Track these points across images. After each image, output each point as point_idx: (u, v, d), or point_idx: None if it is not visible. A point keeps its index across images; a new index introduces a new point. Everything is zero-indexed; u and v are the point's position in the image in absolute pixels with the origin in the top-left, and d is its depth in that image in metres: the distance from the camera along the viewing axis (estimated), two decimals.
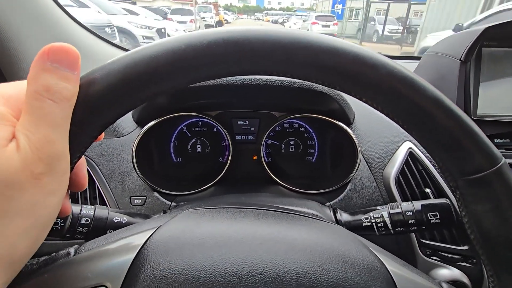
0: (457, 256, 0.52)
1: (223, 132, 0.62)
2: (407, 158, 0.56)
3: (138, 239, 0.23)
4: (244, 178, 0.65)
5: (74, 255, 0.23)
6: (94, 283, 0.20)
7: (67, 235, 0.34)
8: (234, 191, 0.60)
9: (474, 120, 0.53)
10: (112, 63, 0.20)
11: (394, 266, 0.24)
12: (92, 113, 0.19)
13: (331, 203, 0.56)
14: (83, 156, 0.22)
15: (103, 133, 0.22)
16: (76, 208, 0.35)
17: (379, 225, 0.40)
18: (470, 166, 0.21)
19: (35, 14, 0.56)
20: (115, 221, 0.37)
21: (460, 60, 0.55)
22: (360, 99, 0.22)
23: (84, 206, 0.36)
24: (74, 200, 0.52)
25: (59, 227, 0.33)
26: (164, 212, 0.43)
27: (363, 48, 0.21)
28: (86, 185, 0.24)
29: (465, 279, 0.49)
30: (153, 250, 0.22)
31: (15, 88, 0.19)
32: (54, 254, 0.23)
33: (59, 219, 0.33)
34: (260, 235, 0.25)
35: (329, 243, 0.25)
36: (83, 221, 0.35)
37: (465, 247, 0.51)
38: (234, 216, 0.28)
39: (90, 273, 0.20)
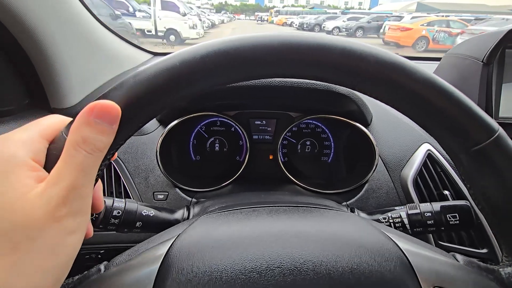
0: (475, 260, 0.51)
1: (240, 132, 0.64)
2: (425, 160, 0.55)
3: (160, 249, 0.25)
4: (261, 177, 0.67)
5: (104, 271, 0.25)
6: None
7: (101, 226, 0.37)
8: (251, 189, 0.62)
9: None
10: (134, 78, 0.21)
11: (407, 244, 0.25)
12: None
13: (348, 202, 0.57)
14: (99, 179, 0.23)
15: (116, 153, 0.24)
16: (108, 201, 0.37)
17: (397, 225, 0.41)
18: (468, 140, 0.22)
19: (66, 19, 0.60)
20: (144, 214, 0.39)
21: (482, 62, 0.55)
22: (354, 89, 0.23)
23: (116, 199, 0.38)
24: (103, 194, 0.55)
25: (94, 218, 0.36)
26: (187, 207, 0.45)
27: (351, 41, 0.22)
28: (102, 208, 0.25)
29: None
30: (176, 257, 0.23)
31: (30, 131, 0.21)
32: (86, 272, 0.25)
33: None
34: (274, 231, 0.26)
35: (341, 231, 0.26)
36: (115, 213, 0.37)
37: (484, 250, 0.51)
38: (248, 216, 0.29)
39: (122, 286, 0.22)
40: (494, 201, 0.22)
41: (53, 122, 0.22)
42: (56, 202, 0.18)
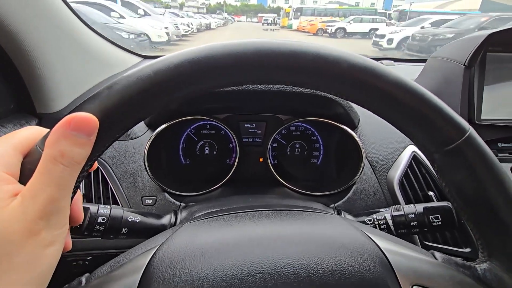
0: (459, 259, 0.52)
1: (230, 135, 0.64)
2: (411, 162, 0.57)
3: (142, 259, 0.25)
4: (251, 179, 0.67)
5: (85, 283, 0.25)
6: None
7: (85, 233, 0.36)
8: (241, 192, 0.62)
9: (478, 124, 0.54)
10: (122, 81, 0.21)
11: (386, 243, 0.26)
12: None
13: (336, 205, 0.58)
14: (78, 190, 0.23)
15: (96, 163, 0.23)
16: (93, 208, 0.37)
17: (382, 226, 0.42)
18: (441, 140, 0.23)
19: (52, 22, 0.59)
20: (129, 220, 0.39)
21: (464, 65, 0.56)
22: (329, 93, 0.24)
23: (101, 205, 0.38)
24: (89, 200, 0.54)
25: (78, 226, 0.36)
26: (175, 212, 0.45)
27: (324, 46, 0.22)
28: (81, 220, 0.25)
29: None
30: (157, 267, 0.23)
31: (4, 145, 0.20)
32: (66, 285, 0.25)
33: None
34: (256, 236, 0.27)
35: (322, 233, 0.27)
36: (100, 219, 0.37)
37: (467, 249, 0.52)
38: (230, 222, 0.30)
39: None
40: (467, 197, 0.23)
41: (27, 134, 0.22)
42: (33, 216, 0.18)
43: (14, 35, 0.50)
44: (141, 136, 0.62)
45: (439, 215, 0.40)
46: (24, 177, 0.20)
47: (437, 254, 0.27)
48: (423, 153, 0.25)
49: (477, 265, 0.25)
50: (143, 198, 0.56)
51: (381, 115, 0.24)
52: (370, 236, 0.27)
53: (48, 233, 0.19)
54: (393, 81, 0.22)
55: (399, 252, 0.25)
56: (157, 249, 0.26)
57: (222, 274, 0.22)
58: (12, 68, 0.54)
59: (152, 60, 0.22)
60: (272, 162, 0.68)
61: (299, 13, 22.47)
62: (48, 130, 0.21)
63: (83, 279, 0.25)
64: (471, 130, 0.23)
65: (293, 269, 0.22)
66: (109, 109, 0.20)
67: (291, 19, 22.71)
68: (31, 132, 0.22)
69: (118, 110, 0.21)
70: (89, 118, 0.20)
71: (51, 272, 0.20)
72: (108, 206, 0.38)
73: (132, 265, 0.25)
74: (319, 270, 0.22)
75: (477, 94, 0.56)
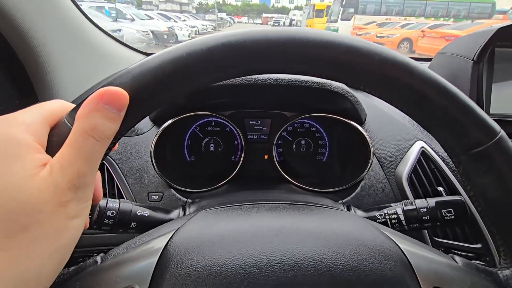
0: (470, 254, 0.52)
1: (235, 132, 0.64)
2: (419, 157, 0.56)
3: (159, 243, 0.24)
4: (256, 176, 0.66)
5: (101, 263, 0.24)
6: (123, 286, 0.21)
7: (94, 227, 0.36)
8: (247, 189, 0.61)
9: None
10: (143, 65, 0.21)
11: (406, 245, 0.25)
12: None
13: (344, 201, 0.57)
14: (98, 171, 0.23)
15: (116, 144, 0.23)
16: (102, 201, 0.37)
17: (393, 221, 0.41)
18: (469, 141, 0.22)
19: (58, 19, 0.59)
20: (138, 214, 0.38)
21: (472, 60, 0.56)
22: (358, 88, 0.23)
23: (110, 199, 0.37)
24: None
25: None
26: (183, 207, 0.44)
27: (356, 38, 0.22)
28: (101, 198, 0.25)
29: None
30: (174, 251, 0.23)
31: (34, 114, 0.20)
32: (82, 263, 0.24)
33: None
34: (275, 227, 0.26)
35: (342, 229, 0.26)
36: (109, 213, 0.36)
37: (478, 245, 0.51)
38: (248, 212, 0.29)
39: (119, 278, 0.22)
40: (493, 202, 0.23)
41: (56, 107, 0.22)
42: (63, 187, 0.18)
43: (21, 32, 0.49)
44: (147, 132, 0.61)
45: (452, 209, 0.39)
46: (51, 149, 0.20)
47: (457, 258, 0.26)
48: (448, 155, 0.24)
49: (499, 271, 0.24)
50: (150, 194, 0.56)
51: (409, 112, 0.23)
52: (389, 236, 0.26)
53: (74, 205, 0.19)
54: (426, 78, 0.21)
55: (420, 254, 0.25)
56: (174, 233, 0.25)
57: (241, 262, 0.22)
58: (17, 64, 0.53)
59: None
60: (278, 159, 0.67)
61: (351, 10, 12.90)
62: (74, 105, 0.21)
63: (99, 258, 0.25)
64: (502, 133, 0.22)
65: (313, 262, 0.22)
66: (141, 86, 0.20)
67: (333, 20, 13.39)
68: (58, 105, 0.22)
69: (149, 89, 0.20)
70: (121, 93, 0.20)
71: (74, 245, 0.20)
72: (117, 200, 0.38)
73: (149, 247, 0.24)
74: (339, 265, 0.22)
75: (485, 89, 0.55)
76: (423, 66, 0.22)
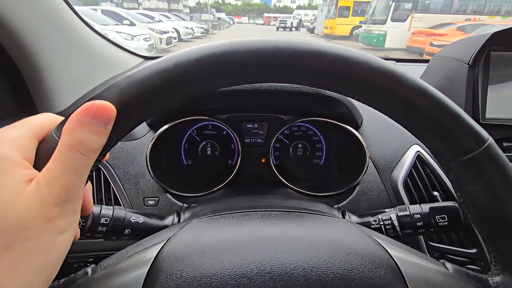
0: (465, 259, 0.52)
1: (232, 135, 0.64)
2: (415, 162, 0.56)
3: (149, 253, 0.24)
4: (253, 180, 0.66)
5: (91, 274, 0.24)
6: None
7: (88, 234, 0.36)
8: (244, 193, 0.61)
9: (483, 124, 0.54)
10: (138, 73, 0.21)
11: (398, 252, 0.25)
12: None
13: (339, 205, 0.57)
14: (89, 181, 0.23)
15: (107, 155, 0.24)
16: (96, 208, 0.37)
17: (387, 227, 0.41)
18: (459, 149, 0.22)
19: (53, 23, 0.59)
20: (132, 221, 0.38)
21: (468, 64, 0.56)
22: (347, 96, 0.23)
23: (104, 206, 0.37)
24: None
25: (81, 227, 0.35)
26: (178, 213, 0.44)
27: (345, 48, 0.22)
28: (91, 210, 0.25)
29: None
30: (165, 262, 0.23)
31: (20, 129, 0.20)
32: (72, 275, 0.24)
33: (81, 219, 0.35)
34: (266, 236, 0.26)
35: (333, 237, 0.26)
36: (102, 220, 0.36)
37: (473, 250, 0.51)
38: (239, 220, 0.29)
39: None
40: (483, 209, 0.23)
41: (43, 120, 0.22)
42: (50, 202, 0.19)
43: (16, 35, 0.49)
44: (143, 137, 0.61)
45: (445, 215, 0.39)
46: (38, 163, 0.20)
47: (448, 264, 0.26)
48: (439, 162, 0.24)
49: (489, 278, 0.24)
50: (145, 199, 0.56)
51: (398, 120, 0.23)
52: (381, 243, 0.26)
53: (62, 220, 0.19)
54: (414, 86, 0.21)
55: (410, 261, 0.25)
56: (165, 243, 0.25)
57: (231, 272, 0.22)
58: (13, 68, 0.53)
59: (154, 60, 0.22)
60: (275, 163, 0.67)
61: (408, 6, 9.00)
62: (63, 118, 0.21)
63: (89, 270, 0.25)
64: (490, 141, 0.22)
65: (303, 272, 0.22)
66: (128, 98, 0.20)
67: (378, 20, 9.52)
68: (46, 119, 0.22)
69: (136, 101, 0.20)
70: (107, 107, 0.20)
71: (63, 258, 0.20)
72: (111, 207, 0.38)
73: (139, 258, 0.25)
74: (329, 274, 0.22)
75: (481, 93, 0.55)
76: (412, 75, 0.22)
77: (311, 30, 18.18)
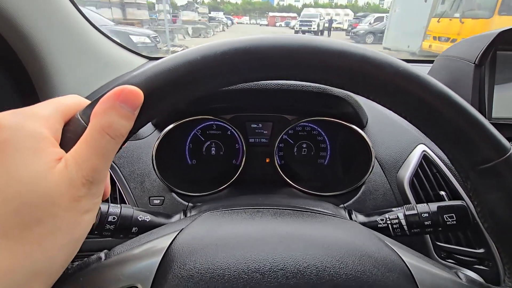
0: (472, 259, 0.51)
1: (237, 135, 0.64)
2: (421, 161, 0.56)
3: (162, 242, 0.24)
4: (258, 180, 0.66)
5: (105, 259, 0.24)
6: (126, 284, 0.21)
7: (96, 232, 0.36)
8: (248, 192, 0.61)
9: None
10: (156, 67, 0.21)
11: (410, 258, 0.25)
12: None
13: (345, 205, 0.57)
14: None
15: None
16: (104, 206, 0.37)
17: (394, 226, 0.41)
18: (479, 157, 0.22)
19: (61, 23, 0.59)
20: (140, 219, 0.38)
21: (474, 63, 0.55)
22: (368, 98, 0.23)
23: (111, 204, 0.37)
24: None
25: None
26: (184, 212, 0.44)
27: (370, 50, 0.22)
28: (108, 194, 0.25)
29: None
30: (178, 252, 0.23)
31: (51, 108, 0.21)
32: (86, 259, 0.25)
33: None
34: (279, 233, 0.26)
35: (345, 238, 0.26)
36: (110, 218, 0.36)
37: (481, 250, 0.51)
38: (252, 216, 0.29)
39: (122, 276, 0.22)
40: (501, 219, 0.22)
41: (71, 102, 0.22)
42: (78, 182, 0.19)
43: (24, 35, 0.50)
44: (148, 136, 0.61)
45: (453, 214, 0.39)
46: (65, 144, 0.20)
47: (461, 274, 0.26)
48: (456, 169, 0.24)
49: None
50: (151, 198, 0.56)
51: (418, 125, 0.23)
52: (394, 248, 0.26)
53: (87, 200, 0.20)
54: (437, 92, 0.21)
55: (423, 268, 0.24)
56: (178, 234, 0.25)
57: (244, 267, 0.22)
58: (20, 68, 0.54)
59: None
60: (279, 163, 0.67)
61: None
62: (89, 101, 0.21)
63: (102, 255, 0.25)
64: None
65: (316, 270, 0.22)
66: (153, 87, 0.20)
67: None
68: (73, 101, 0.22)
69: (162, 89, 0.21)
70: (136, 92, 0.20)
71: (83, 239, 0.21)
72: (118, 205, 0.38)
73: (152, 246, 0.25)
74: (342, 275, 0.22)
75: (487, 93, 0.55)
76: (435, 80, 0.22)
77: (360, 37, 12.57)
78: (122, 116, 0.20)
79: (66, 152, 0.20)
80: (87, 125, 0.20)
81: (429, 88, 0.21)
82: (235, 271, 0.21)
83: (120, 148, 0.22)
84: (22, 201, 0.17)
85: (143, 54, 0.94)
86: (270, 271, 0.22)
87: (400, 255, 0.25)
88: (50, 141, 0.19)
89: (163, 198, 0.56)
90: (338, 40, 0.22)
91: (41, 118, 0.20)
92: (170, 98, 0.21)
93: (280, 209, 0.31)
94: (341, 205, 0.57)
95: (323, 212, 0.33)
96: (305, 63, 0.21)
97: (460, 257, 0.52)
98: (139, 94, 0.20)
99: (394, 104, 0.22)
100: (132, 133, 0.22)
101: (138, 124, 0.21)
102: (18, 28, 0.48)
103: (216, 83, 0.22)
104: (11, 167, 0.18)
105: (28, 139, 0.18)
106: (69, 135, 0.21)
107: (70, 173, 0.19)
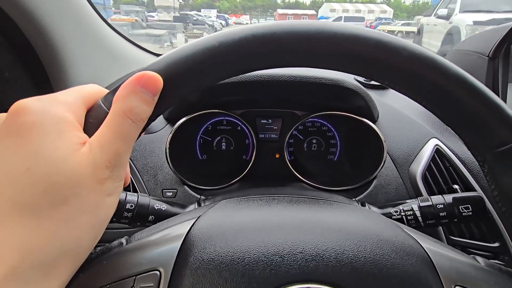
0: (487, 253, 0.51)
1: (247, 131, 0.64)
2: (434, 155, 0.56)
3: (182, 228, 0.25)
4: (267, 175, 0.67)
5: (126, 245, 0.25)
6: (148, 268, 0.22)
7: (114, 219, 0.37)
8: (259, 187, 0.62)
9: None
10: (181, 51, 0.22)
11: (428, 243, 0.25)
12: None
13: (357, 198, 0.57)
14: None
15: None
16: (122, 194, 0.37)
17: (409, 217, 0.41)
18: (495, 140, 0.22)
19: (77, 20, 0.61)
20: (156, 207, 0.39)
21: (488, 56, 0.55)
22: (383, 83, 0.23)
23: (128, 193, 0.38)
24: None
25: None
26: (198, 203, 0.45)
27: (384, 34, 0.22)
28: (129, 180, 0.26)
29: None
30: (197, 237, 0.24)
31: (74, 95, 0.22)
32: (108, 244, 0.25)
33: None
34: (296, 218, 0.26)
35: (363, 223, 0.26)
36: (128, 206, 0.37)
37: (496, 244, 0.50)
38: (268, 203, 0.29)
39: (144, 260, 0.22)
40: None
41: (92, 90, 0.23)
42: (101, 165, 0.20)
43: (41, 30, 0.51)
44: (160, 130, 0.62)
45: (469, 205, 0.39)
46: (88, 129, 0.21)
47: (479, 258, 0.26)
48: (473, 153, 0.24)
49: None
50: (164, 190, 0.57)
51: (433, 109, 0.23)
52: (411, 234, 0.26)
53: (110, 183, 0.20)
54: (453, 75, 0.21)
55: (442, 253, 0.24)
56: (196, 220, 0.26)
57: (264, 250, 0.22)
58: (35, 60, 0.55)
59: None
60: (289, 158, 0.67)
61: None
62: (108, 91, 0.22)
63: (124, 240, 0.26)
64: None
65: (335, 253, 0.22)
66: (173, 73, 0.21)
67: None
68: (95, 89, 0.23)
69: (181, 76, 0.21)
70: (156, 77, 0.21)
71: (108, 221, 0.21)
72: (135, 194, 0.38)
73: (172, 231, 0.25)
74: (361, 258, 0.22)
75: (501, 86, 0.55)
76: (451, 63, 0.21)
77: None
78: (143, 100, 0.20)
79: (89, 137, 0.20)
80: (109, 110, 0.21)
81: (445, 70, 0.21)
82: (254, 254, 0.22)
83: (139, 136, 0.22)
84: (50, 181, 0.18)
85: (153, 51, 0.95)
86: (289, 254, 0.22)
87: (418, 240, 0.25)
88: (75, 125, 0.20)
89: (175, 190, 0.57)
90: (352, 25, 0.22)
91: (65, 103, 0.20)
92: (188, 84, 0.22)
93: (295, 197, 0.31)
94: (354, 199, 0.57)
95: (338, 200, 0.33)
96: (321, 49, 0.22)
97: (474, 251, 0.51)
98: (158, 79, 0.21)
99: (409, 88, 0.22)
100: (151, 120, 0.22)
101: (157, 110, 0.22)
102: (35, 21, 0.50)
103: (235, 68, 0.22)
104: (40, 149, 0.18)
105: (54, 123, 0.19)
106: (92, 120, 0.21)
107: (94, 156, 0.19)
